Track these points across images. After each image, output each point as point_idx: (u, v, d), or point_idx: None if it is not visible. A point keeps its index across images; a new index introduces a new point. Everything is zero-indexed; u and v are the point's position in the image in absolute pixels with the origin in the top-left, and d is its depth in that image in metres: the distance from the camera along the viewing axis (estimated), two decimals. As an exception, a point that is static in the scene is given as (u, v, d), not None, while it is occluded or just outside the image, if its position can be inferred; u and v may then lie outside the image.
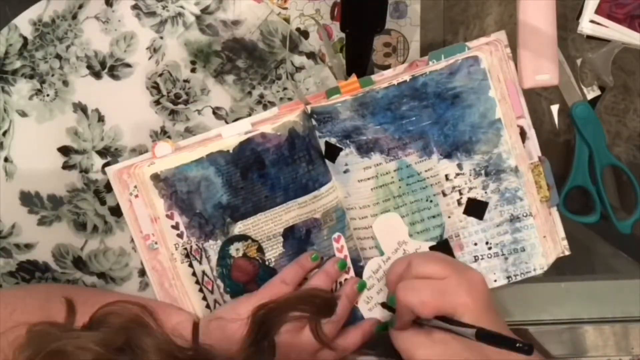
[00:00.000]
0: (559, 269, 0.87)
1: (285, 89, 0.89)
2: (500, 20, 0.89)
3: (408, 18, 0.89)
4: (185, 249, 0.82)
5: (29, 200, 0.89)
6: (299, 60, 0.89)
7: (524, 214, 0.83)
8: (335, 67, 0.89)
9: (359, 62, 0.88)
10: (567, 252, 0.87)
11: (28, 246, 0.90)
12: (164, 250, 0.82)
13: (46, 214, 0.89)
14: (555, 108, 0.90)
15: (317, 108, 0.83)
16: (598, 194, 0.90)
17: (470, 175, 0.82)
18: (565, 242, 0.87)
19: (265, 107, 0.89)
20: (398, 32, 0.89)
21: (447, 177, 0.82)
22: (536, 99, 0.90)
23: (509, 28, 0.85)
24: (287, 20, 0.88)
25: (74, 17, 0.86)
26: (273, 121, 0.83)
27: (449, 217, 0.84)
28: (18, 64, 0.87)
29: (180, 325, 0.80)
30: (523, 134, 0.84)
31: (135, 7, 0.87)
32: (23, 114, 0.88)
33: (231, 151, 0.81)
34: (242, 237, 0.83)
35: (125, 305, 0.66)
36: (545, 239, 0.84)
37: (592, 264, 0.94)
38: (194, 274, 0.83)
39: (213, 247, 0.82)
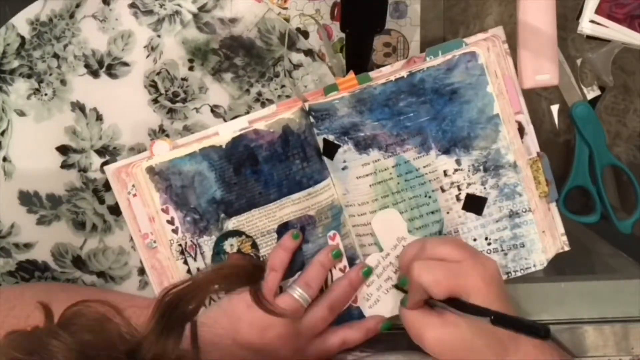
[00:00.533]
0: (559, 269, 0.87)
1: (283, 86, 0.89)
2: (500, 20, 0.88)
3: (408, 18, 0.89)
4: (180, 245, 0.82)
5: (27, 199, 0.89)
6: (296, 57, 0.89)
7: (523, 210, 0.83)
8: (335, 67, 0.89)
9: (359, 62, 0.88)
10: (566, 248, 0.87)
11: (27, 246, 0.90)
12: (163, 248, 0.82)
13: (45, 213, 0.89)
14: (555, 108, 0.90)
15: (314, 105, 0.83)
16: (598, 194, 0.90)
17: (469, 171, 0.82)
18: (564, 238, 0.87)
19: (263, 105, 0.89)
20: (398, 32, 0.89)
21: (445, 173, 0.82)
22: (536, 99, 0.90)
23: (509, 28, 0.85)
24: (287, 20, 0.88)
25: (72, 16, 0.86)
26: (269, 118, 0.82)
27: (448, 212, 0.83)
28: (16, 63, 0.87)
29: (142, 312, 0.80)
30: (521, 130, 0.84)
31: (132, 5, 0.87)
32: (21, 114, 0.88)
33: (224, 146, 0.81)
34: (237, 233, 0.83)
35: (89, 304, 0.66)
36: (544, 234, 0.84)
37: (592, 264, 0.94)
38: (188, 271, 0.83)
39: (207, 242, 0.82)
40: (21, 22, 0.86)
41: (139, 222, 0.83)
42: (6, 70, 0.87)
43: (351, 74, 0.84)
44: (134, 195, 0.82)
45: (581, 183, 0.90)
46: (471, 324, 0.73)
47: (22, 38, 0.86)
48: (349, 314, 0.86)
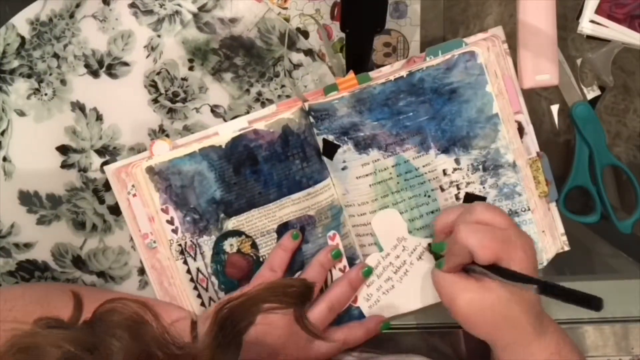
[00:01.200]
0: (559, 269, 0.87)
1: (283, 86, 0.89)
2: (500, 20, 0.88)
3: (408, 18, 0.89)
4: (180, 245, 0.82)
5: (27, 199, 0.89)
6: (296, 57, 0.89)
7: (522, 209, 0.82)
8: (335, 67, 0.88)
9: (359, 62, 0.88)
10: (566, 248, 0.87)
11: (27, 245, 0.90)
12: (163, 249, 0.82)
13: (45, 213, 0.89)
14: (555, 108, 0.90)
15: (314, 105, 0.83)
16: (598, 194, 0.90)
17: (468, 170, 0.82)
18: (564, 238, 0.87)
19: (263, 105, 0.89)
20: (398, 32, 0.89)
21: (444, 172, 0.82)
22: (536, 99, 0.90)
23: (509, 28, 0.85)
24: (287, 19, 0.88)
25: (71, 15, 0.86)
26: (269, 118, 0.82)
27: None
28: (16, 63, 0.87)
29: (178, 324, 0.80)
30: (521, 130, 0.84)
31: (132, 5, 0.87)
32: (21, 114, 0.88)
33: (223, 146, 0.81)
34: (236, 233, 0.83)
35: (127, 302, 0.66)
36: (544, 234, 0.84)
37: (592, 264, 0.94)
38: (188, 271, 0.83)
39: (207, 242, 0.82)
40: (21, 22, 0.86)
41: (139, 222, 0.83)
42: (6, 70, 0.87)
43: (351, 74, 0.84)
44: (134, 195, 0.82)
45: (581, 183, 0.90)
46: (509, 290, 0.73)
47: (22, 38, 0.86)
48: (349, 314, 0.86)
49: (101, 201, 0.90)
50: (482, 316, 0.74)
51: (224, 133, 0.83)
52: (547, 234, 0.84)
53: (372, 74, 0.85)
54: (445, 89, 0.80)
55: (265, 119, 0.83)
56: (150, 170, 0.80)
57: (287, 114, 0.82)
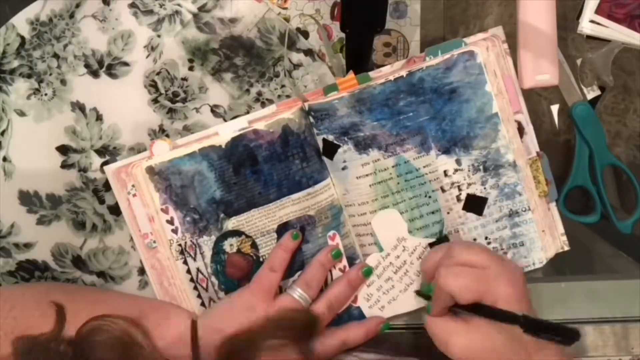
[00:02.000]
0: (559, 269, 0.87)
1: (283, 86, 0.89)
2: (500, 20, 0.89)
3: (408, 18, 0.89)
4: (180, 245, 0.82)
5: (27, 199, 0.89)
6: (296, 57, 0.89)
7: (523, 209, 0.83)
8: (335, 67, 0.89)
9: (359, 62, 0.88)
10: (566, 248, 0.87)
11: (27, 245, 0.90)
12: (163, 249, 0.82)
13: (45, 213, 0.89)
14: (555, 108, 0.90)
15: (314, 105, 0.83)
16: (598, 193, 0.90)
17: (469, 171, 0.82)
18: (564, 238, 0.87)
19: (263, 105, 0.89)
20: (398, 32, 0.89)
21: (445, 173, 0.82)
22: (536, 99, 0.90)
23: (509, 28, 0.85)
24: (287, 20, 0.88)
25: (71, 16, 0.86)
26: (269, 118, 0.82)
27: (448, 212, 0.83)
28: (16, 63, 0.87)
29: (179, 327, 0.80)
30: (521, 129, 0.84)
31: (132, 5, 0.87)
32: (21, 114, 0.88)
33: (223, 146, 0.81)
34: (236, 233, 0.83)
35: (114, 320, 0.64)
36: (544, 233, 0.84)
37: (592, 264, 0.93)
38: (188, 271, 0.83)
39: (207, 242, 0.82)
40: (21, 22, 0.86)
41: (139, 222, 0.83)
42: (6, 70, 0.87)
43: (351, 74, 0.84)
44: (134, 195, 0.82)
45: (581, 183, 0.90)
46: (497, 329, 0.73)
47: (22, 38, 0.86)
48: (348, 314, 0.86)
49: (101, 201, 0.90)
50: (478, 357, 0.74)
51: (224, 133, 0.83)
52: (547, 234, 0.84)
53: (372, 74, 0.85)
54: (445, 88, 0.80)
55: (265, 119, 0.83)
56: (150, 170, 0.80)
57: (287, 114, 0.82)
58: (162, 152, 0.81)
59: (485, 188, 0.82)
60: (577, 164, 0.90)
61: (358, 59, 0.88)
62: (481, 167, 0.82)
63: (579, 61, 0.89)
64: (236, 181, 0.82)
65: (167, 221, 0.81)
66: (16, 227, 0.89)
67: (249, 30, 0.88)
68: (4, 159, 0.88)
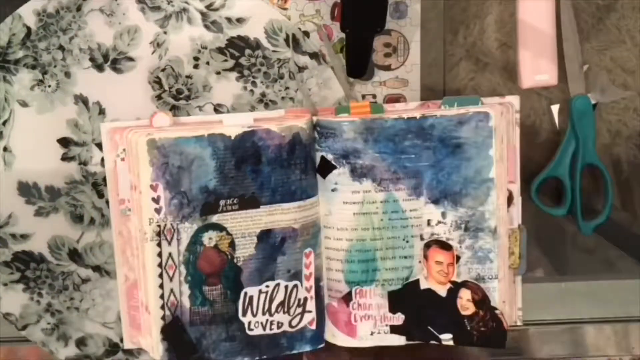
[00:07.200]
0: (559, 269, 0.87)
1: (287, 88, 0.90)
2: (500, 20, 0.90)
3: (408, 18, 0.90)
4: (159, 225, 0.79)
5: (26, 190, 0.88)
6: (302, 60, 0.89)
7: (490, 276, 0.82)
8: (336, 68, 0.90)
9: (359, 62, 0.89)
10: (519, 323, 0.86)
11: (24, 236, 0.89)
12: (136, 219, 0.81)
13: (43, 205, 0.89)
14: (555, 108, 0.91)
15: (322, 121, 0.83)
16: (572, 189, 0.90)
17: (451, 226, 0.82)
18: (520, 313, 0.86)
19: (266, 106, 0.90)
20: (398, 32, 0.90)
21: (429, 222, 0.83)
22: (536, 98, 0.91)
23: (508, 27, 0.87)
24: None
25: (79, 8, 0.87)
26: (279, 122, 0.82)
27: (420, 262, 0.84)
28: (21, 53, 0.87)
29: None
30: (510, 199, 0.84)
31: (140, 1, 0.88)
32: (24, 104, 0.88)
33: (233, 137, 0.80)
34: (218, 227, 0.81)
35: None
36: (504, 304, 0.83)
37: (592, 264, 0.93)
38: (159, 254, 0.80)
39: (187, 230, 0.80)
40: (28, 12, 0.86)
41: (120, 185, 0.83)
42: (11, 60, 0.87)
43: (366, 102, 0.85)
44: (122, 159, 0.82)
45: (558, 174, 0.90)
46: None
47: (28, 29, 0.87)
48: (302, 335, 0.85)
49: (100, 195, 0.89)
50: None
51: (228, 123, 0.83)
52: (507, 305, 0.84)
53: (386, 106, 0.86)
54: (452, 141, 0.81)
55: (276, 122, 0.82)
56: (151, 142, 0.79)
57: (300, 123, 0.82)
58: (162, 124, 0.82)
59: (460, 247, 0.83)
60: (561, 155, 0.90)
61: (358, 59, 0.89)
62: (463, 226, 0.82)
63: (585, 67, 0.90)
64: (234, 175, 0.81)
65: (153, 199, 0.79)
66: (14, 217, 0.88)
67: (255, 31, 0.89)
68: (5, 149, 0.88)
